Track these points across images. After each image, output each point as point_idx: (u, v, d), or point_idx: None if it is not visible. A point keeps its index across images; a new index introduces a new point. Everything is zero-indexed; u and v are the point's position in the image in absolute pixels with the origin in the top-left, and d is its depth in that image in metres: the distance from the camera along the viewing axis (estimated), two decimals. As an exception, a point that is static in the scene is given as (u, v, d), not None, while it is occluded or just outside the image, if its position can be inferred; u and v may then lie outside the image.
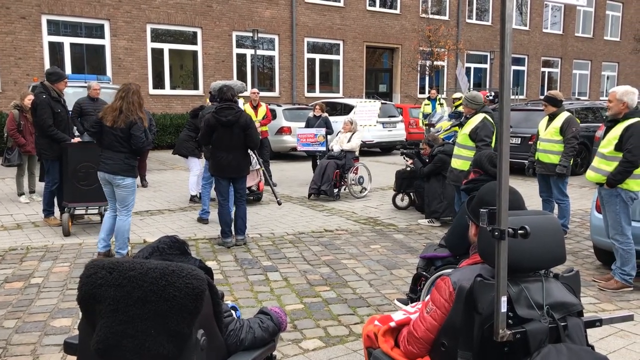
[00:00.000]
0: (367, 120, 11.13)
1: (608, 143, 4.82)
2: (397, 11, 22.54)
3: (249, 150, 6.34)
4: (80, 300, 1.78)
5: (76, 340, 1.97)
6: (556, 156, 6.32)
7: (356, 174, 9.30)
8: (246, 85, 18.49)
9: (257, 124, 10.16)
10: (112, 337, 1.69)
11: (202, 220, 7.26)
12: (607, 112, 4.99)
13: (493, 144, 6.15)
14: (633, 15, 30.05)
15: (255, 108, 10.33)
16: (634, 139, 4.58)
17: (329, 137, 10.39)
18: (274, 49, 19.85)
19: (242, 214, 6.22)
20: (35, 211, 7.65)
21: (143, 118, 5.31)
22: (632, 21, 29.88)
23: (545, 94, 7.01)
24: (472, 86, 22.58)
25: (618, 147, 4.70)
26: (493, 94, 16.36)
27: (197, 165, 8.51)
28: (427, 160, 7.56)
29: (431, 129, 12.39)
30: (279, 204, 6.92)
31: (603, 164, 4.84)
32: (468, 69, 23.52)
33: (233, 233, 6.22)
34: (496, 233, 1.76)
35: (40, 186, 8.91)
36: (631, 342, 3.77)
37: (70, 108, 7.73)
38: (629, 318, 2.23)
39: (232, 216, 6.25)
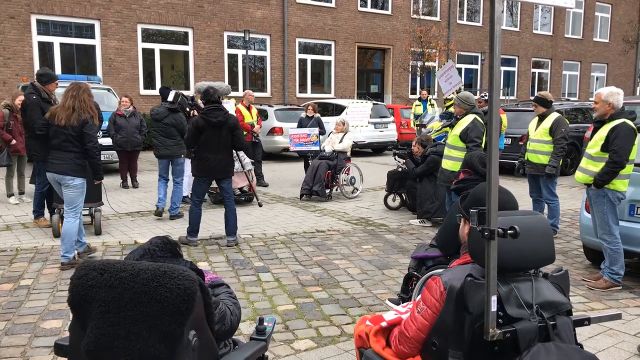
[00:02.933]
0: (358, 121, 11.16)
1: (595, 144, 4.87)
2: (389, 12, 22.61)
3: (235, 152, 6.38)
4: (71, 302, 1.77)
5: (67, 342, 1.96)
6: (546, 157, 6.37)
7: (348, 174, 9.32)
8: (232, 86, 18.57)
9: (256, 126, 10.21)
10: (103, 339, 1.69)
11: (159, 211, 7.46)
12: (593, 113, 5.04)
13: (483, 145, 6.19)
14: (622, 16, 30.34)
15: (248, 109, 10.33)
16: (620, 140, 4.63)
17: (320, 137, 10.40)
18: (265, 50, 19.84)
19: (232, 214, 6.21)
20: (25, 212, 7.60)
21: (94, 116, 5.29)
22: (620, 22, 30.17)
23: (535, 94, 7.06)
24: (462, 87, 22.65)
25: (604, 148, 4.75)
26: (487, 94, 16.41)
27: (189, 166, 8.47)
28: (419, 161, 7.59)
29: (422, 129, 12.43)
30: (260, 205, 7.05)
31: (590, 164, 4.89)
32: (459, 70, 23.60)
33: (228, 240, 6.23)
34: (486, 233, 1.78)
35: (30, 187, 8.86)
36: (620, 341, 3.81)
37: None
38: (617, 317, 2.26)
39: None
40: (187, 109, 7.92)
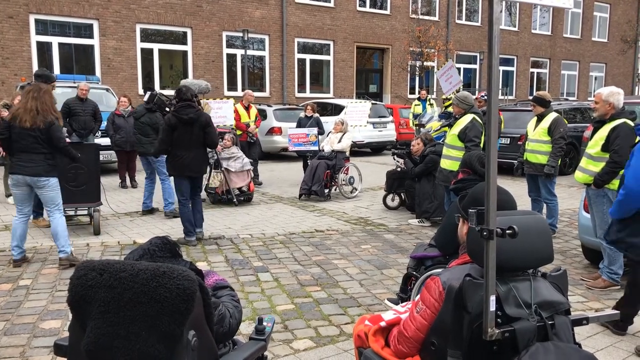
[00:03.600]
0: (357, 121, 11.16)
1: (595, 144, 4.88)
2: (387, 12, 22.61)
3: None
4: (71, 302, 1.77)
5: (66, 342, 1.96)
6: (544, 156, 6.37)
7: (347, 174, 9.32)
8: (231, 86, 18.54)
9: (253, 125, 10.20)
10: (102, 339, 1.69)
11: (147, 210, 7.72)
12: (593, 113, 5.04)
13: (482, 144, 6.20)
14: (620, 16, 30.37)
15: (247, 109, 10.33)
16: (620, 140, 4.63)
17: (319, 137, 10.40)
18: (264, 49, 19.83)
19: (199, 207, 6.42)
20: (24, 212, 7.59)
21: (58, 117, 5.28)
22: (619, 22, 30.19)
23: (534, 94, 7.07)
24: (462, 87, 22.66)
25: (605, 148, 4.76)
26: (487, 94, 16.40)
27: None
28: (418, 161, 7.59)
29: (421, 129, 12.44)
30: (235, 204, 7.20)
31: (590, 164, 4.89)
32: (458, 69, 23.60)
33: (196, 231, 6.33)
34: (485, 233, 1.78)
35: None
36: (618, 340, 3.81)
37: (58, 108, 7.69)
38: (616, 316, 2.27)
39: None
40: (168, 109, 7.99)
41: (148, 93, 7.78)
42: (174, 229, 6.84)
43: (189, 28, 18.05)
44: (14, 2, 15.17)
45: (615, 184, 4.71)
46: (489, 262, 1.80)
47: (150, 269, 1.75)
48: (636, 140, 3.75)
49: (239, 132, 9.89)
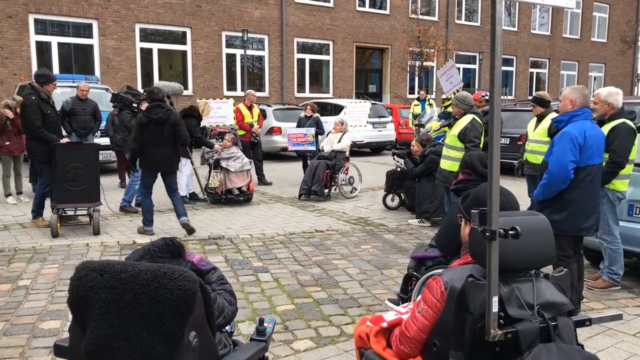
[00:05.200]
0: (357, 121, 11.16)
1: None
2: (387, 12, 22.61)
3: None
4: (71, 303, 1.76)
5: (66, 342, 1.96)
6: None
7: (346, 174, 9.32)
8: (230, 86, 18.52)
9: (256, 125, 10.20)
10: (103, 340, 1.68)
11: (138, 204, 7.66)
12: (593, 113, 5.03)
13: (482, 145, 6.19)
14: (620, 16, 30.39)
15: (250, 109, 10.33)
16: (620, 140, 4.63)
17: (319, 137, 10.40)
18: (263, 49, 19.82)
19: (178, 199, 6.69)
20: (23, 212, 7.58)
21: None
22: (618, 22, 30.21)
23: (533, 94, 7.06)
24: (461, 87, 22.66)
25: (605, 148, 4.75)
26: (488, 94, 16.39)
27: (187, 166, 8.47)
28: (418, 161, 7.59)
29: (421, 129, 12.44)
30: (205, 201, 7.43)
31: (590, 164, 4.88)
32: (457, 69, 23.59)
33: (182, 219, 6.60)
34: (487, 234, 1.77)
35: (27, 187, 8.87)
36: (619, 341, 3.81)
37: (58, 108, 7.69)
38: (618, 317, 2.26)
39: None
40: (135, 105, 8.31)
41: (110, 94, 8.10)
42: (174, 229, 6.83)
43: (189, 28, 18.03)
44: (14, 1, 15.15)
45: (615, 184, 4.71)
46: (491, 262, 1.79)
47: (151, 270, 1.74)
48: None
49: (241, 132, 9.89)
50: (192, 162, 8.56)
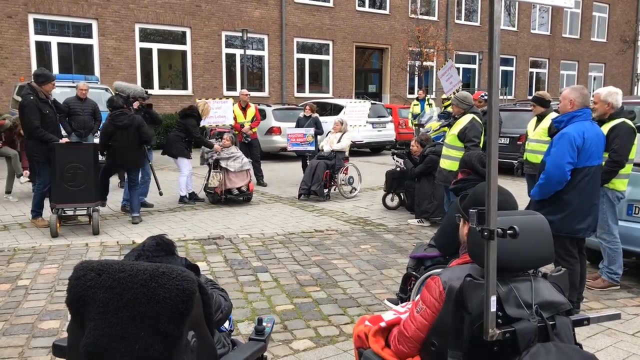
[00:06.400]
0: (357, 121, 11.15)
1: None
2: (387, 11, 22.61)
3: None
4: (70, 303, 1.76)
5: (65, 342, 1.96)
6: (544, 156, 6.36)
7: (346, 174, 9.31)
8: (230, 86, 18.50)
9: (247, 126, 10.18)
10: (101, 340, 1.68)
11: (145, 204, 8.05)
12: (593, 113, 5.03)
13: (481, 145, 6.19)
14: (619, 16, 30.39)
15: (244, 109, 10.32)
16: (620, 139, 4.63)
17: (319, 137, 10.40)
18: (263, 49, 19.82)
19: (135, 196, 7.30)
20: (23, 212, 7.58)
21: None
22: (618, 22, 30.21)
23: (533, 94, 7.06)
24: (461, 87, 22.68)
25: (604, 148, 4.75)
26: (487, 94, 16.38)
27: (187, 166, 8.47)
28: (418, 161, 7.59)
29: (421, 129, 12.43)
30: (160, 194, 7.81)
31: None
32: (457, 69, 23.59)
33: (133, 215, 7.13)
34: (485, 233, 1.77)
35: (16, 188, 8.91)
36: (618, 340, 3.81)
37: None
38: (616, 317, 2.26)
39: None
40: (125, 105, 8.49)
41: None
42: (173, 229, 6.84)
43: (188, 28, 18.03)
44: (13, 1, 15.15)
45: (615, 183, 4.72)
46: (489, 262, 1.79)
47: (149, 270, 1.74)
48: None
49: (236, 132, 9.89)
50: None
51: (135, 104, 7.78)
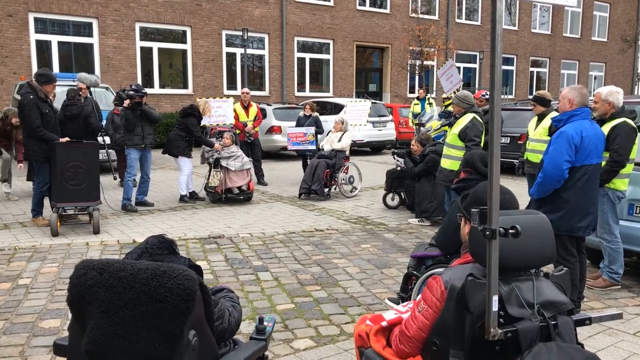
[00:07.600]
0: (357, 120, 11.14)
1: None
2: (387, 11, 22.59)
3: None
4: (70, 302, 1.76)
5: (66, 341, 1.95)
6: (545, 156, 6.36)
7: (346, 173, 9.31)
8: (230, 85, 18.48)
9: (250, 125, 10.16)
10: (102, 339, 1.68)
11: (146, 204, 8.10)
12: (593, 113, 5.02)
13: (482, 144, 6.19)
14: (620, 15, 30.36)
15: (246, 108, 10.31)
16: (620, 139, 4.62)
17: (319, 136, 10.39)
18: (263, 48, 19.81)
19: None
20: (23, 211, 7.58)
21: None
22: (619, 21, 30.19)
23: (534, 94, 7.05)
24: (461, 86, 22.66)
25: (605, 147, 4.74)
26: (488, 93, 16.35)
27: (187, 165, 8.47)
28: (418, 160, 7.58)
29: (421, 128, 12.42)
30: (115, 179, 8.35)
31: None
32: (458, 69, 23.57)
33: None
34: (487, 232, 1.77)
35: (17, 187, 8.91)
36: (619, 340, 3.81)
37: (57, 107, 7.70)
38: (618, 316, 2.26)
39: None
40: (125, 101, 8.64)
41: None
42: (174, 228, 6.83)
43: (189, 27, 18.02)
44: (14, 0, 15.14)
45: (615, 183, 4.71)
46: (491, 261, 1.79)
47: (150, 269, 1.74)
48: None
49: (237, 131, 9.88)
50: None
51: (126, 102, 7.94)
